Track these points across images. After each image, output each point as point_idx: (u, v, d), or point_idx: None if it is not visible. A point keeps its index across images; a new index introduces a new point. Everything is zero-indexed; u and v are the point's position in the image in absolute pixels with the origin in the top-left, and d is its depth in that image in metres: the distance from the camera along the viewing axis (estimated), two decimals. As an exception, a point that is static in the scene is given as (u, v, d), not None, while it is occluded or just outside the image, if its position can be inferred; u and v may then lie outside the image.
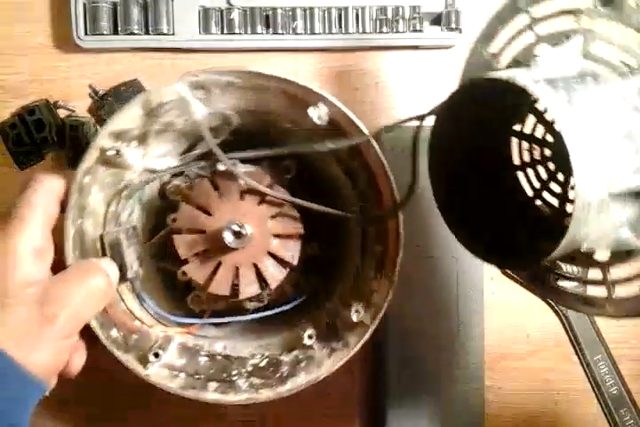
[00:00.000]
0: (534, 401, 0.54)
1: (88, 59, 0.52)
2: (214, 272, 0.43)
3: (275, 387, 0.40)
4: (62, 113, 0.52)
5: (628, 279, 0.31)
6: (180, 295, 0.46)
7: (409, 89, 0.54)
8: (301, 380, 0.40)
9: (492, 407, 0.53)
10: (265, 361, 0.42)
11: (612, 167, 0.28)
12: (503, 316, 0.54)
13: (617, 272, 0.32)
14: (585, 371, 0.54)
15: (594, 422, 0.54)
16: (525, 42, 0.35)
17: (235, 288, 0.43)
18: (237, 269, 0.43)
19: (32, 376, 0.32)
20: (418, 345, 0.51)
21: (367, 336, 0.40)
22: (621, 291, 0.31)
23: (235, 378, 0.41)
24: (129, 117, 0.38)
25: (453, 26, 0.52)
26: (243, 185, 0.43)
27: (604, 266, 0.32)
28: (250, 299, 0.44)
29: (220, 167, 0.43)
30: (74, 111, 0.52)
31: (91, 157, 0.37)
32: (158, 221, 0.45)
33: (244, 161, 0.44)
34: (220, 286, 0.43)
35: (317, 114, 0.38)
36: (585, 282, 0.34)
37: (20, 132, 0.51)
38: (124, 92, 0.51)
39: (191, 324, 0.44)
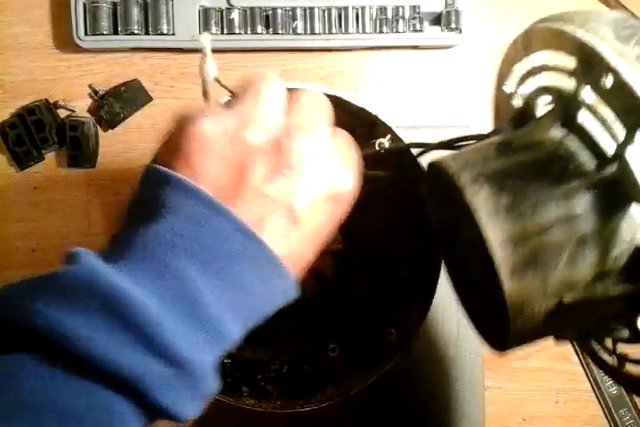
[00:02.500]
0: (534, 401, 0.54)
1: (88, 59, 0.52)
2: None
3: (305, 396, 0.40)
4: (62, 113, 0.52)
5: None
6: None
7: (409, 89, 0.54)
8: (330, 391, 0.40)
9: (492, 407, 0.53)
10: (286, 368, 0.42)
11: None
12: (503, 316, 0.54)
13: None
14: (585, 371, 0.54)
15: (594, 422, 0.54)
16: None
17: None
18: None
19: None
20: (417, 345, 0.51)
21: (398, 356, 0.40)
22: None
23: (262, 383, 0.41)
24: None
25: (453, 26, 0.52)
26: None
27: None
28: None
29: None
30: (74, 111, 0.52)
31: None
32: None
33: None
34: None
35: (380, 142, 0.39)
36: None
37: (20, 132, 0.51)
38: (123, 92, 0.51)
39: None
